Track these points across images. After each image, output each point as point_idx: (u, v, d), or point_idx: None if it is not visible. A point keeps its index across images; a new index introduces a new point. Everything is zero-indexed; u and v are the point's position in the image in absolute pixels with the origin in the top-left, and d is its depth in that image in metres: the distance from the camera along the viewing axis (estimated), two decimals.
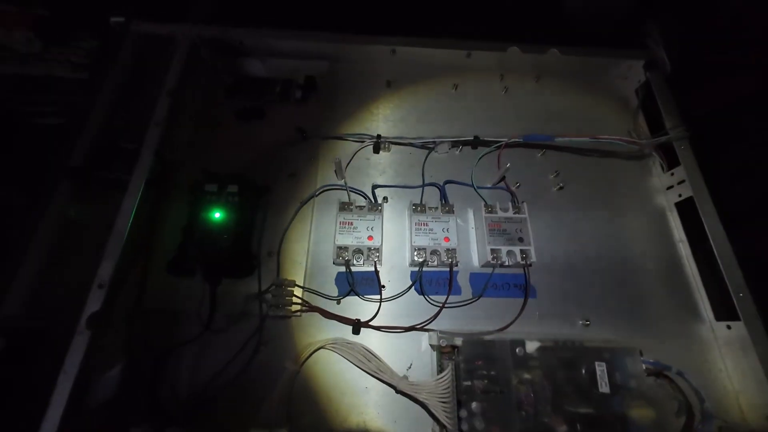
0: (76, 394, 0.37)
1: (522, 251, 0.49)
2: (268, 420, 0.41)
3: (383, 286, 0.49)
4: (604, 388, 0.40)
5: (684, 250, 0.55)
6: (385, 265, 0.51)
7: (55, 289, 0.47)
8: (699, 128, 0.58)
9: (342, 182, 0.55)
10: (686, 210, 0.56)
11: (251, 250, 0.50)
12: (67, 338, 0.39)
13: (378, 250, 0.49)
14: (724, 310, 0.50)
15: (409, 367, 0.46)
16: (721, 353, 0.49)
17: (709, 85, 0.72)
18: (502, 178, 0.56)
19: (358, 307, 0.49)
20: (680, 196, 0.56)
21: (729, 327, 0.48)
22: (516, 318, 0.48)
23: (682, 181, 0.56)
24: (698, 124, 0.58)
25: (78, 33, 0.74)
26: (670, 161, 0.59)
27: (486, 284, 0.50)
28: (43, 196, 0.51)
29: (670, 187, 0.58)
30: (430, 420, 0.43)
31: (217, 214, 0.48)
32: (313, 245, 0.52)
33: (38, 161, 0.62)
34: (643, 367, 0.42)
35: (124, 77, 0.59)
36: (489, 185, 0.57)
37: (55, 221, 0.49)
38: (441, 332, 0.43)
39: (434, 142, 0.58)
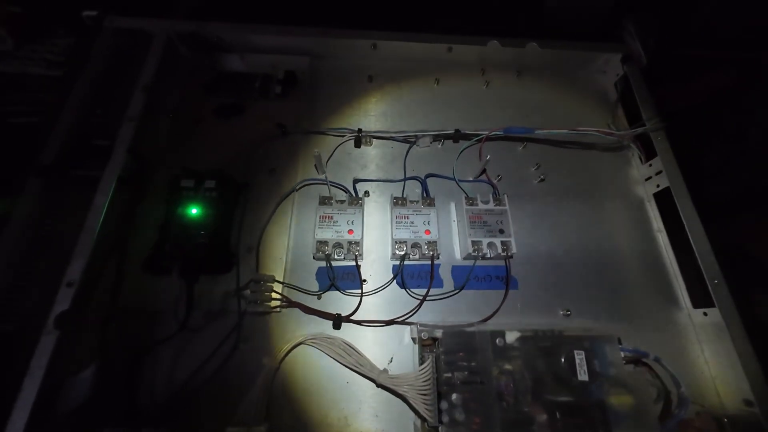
0: (43, 398, 0.36)
1: (503, 243, 0.50)
2: (246, 418, 0.40)
3: (364, 280, 0.49)
4: (582, 376, 0.41)
5: (662, 239, 0.56)
6: (367, 259, 0.51)
7: (25, 292, 0.46)
8: (676, 123, 0.59)
9: (322, 176, 0.54)
10: (664, 200, 0.57)
11: (230, 246, 0.49)
12: (36, 340, 0.38)
13: (359, 243, 0.48)
14: (701, 298, 0.50)
15: (390, 361, 0.45)
16: (699, 339, 0.50)
17: (685, 80, 0.74)
18: (483, 171, 0.56)
19: (339, 302, 0.48)
20: (658, 186, 0.57)
21: (705, 314, 0.49)
22: (497, 309, 0.48)
23: (660, 172, 0.57)
24: (675, 118, 0.60)
25: (53, 30, 0.73)
26: (648, 153, 0.59)
27: (468, 276, 0.49)
28: (13, 195, 0.49)
29: (648, 178, 0.59)
30: (412, 413, 0.43)
31: (194, 210, 0.47)
32: (293, 240, 0.51)
33: (10, 160, 0.60)
34: (622, 354, 0.42)
35: (99, 73, 0.58)
36: (471, 178, 0.57)
37: (24, 221, 0.47)
38: (421, 325, 0.43)
39: (416, 136, 0.58)
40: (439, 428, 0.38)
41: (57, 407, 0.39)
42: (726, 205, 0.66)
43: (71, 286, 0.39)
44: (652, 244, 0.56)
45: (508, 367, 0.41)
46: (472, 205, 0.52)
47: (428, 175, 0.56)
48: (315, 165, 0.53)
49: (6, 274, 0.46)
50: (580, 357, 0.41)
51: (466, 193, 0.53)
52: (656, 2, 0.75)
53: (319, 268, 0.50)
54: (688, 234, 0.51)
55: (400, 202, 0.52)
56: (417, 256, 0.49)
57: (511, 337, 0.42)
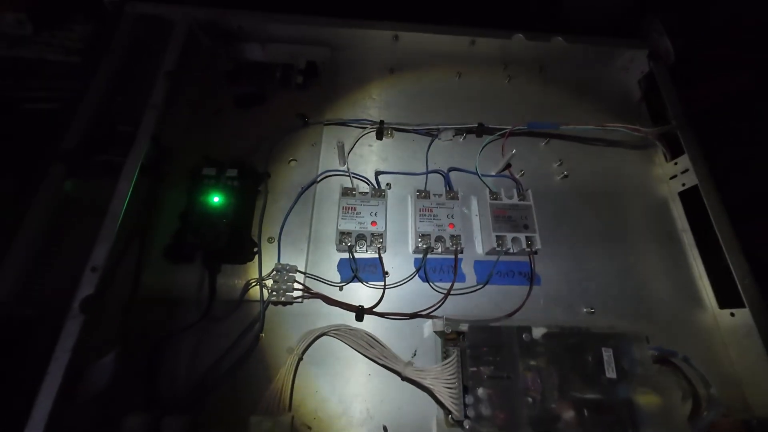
0: (68, 382, 0.36)
1: (527, 238, 0.49)
2: (269, 408, 0.39)
3: (387, 273, 0.48)
4: (611, 373, 0.40)
5: (687, 239, 0.55)
6: (389, 253, 0.50)
7: (48, 277, 0.45)
8: (695, 124, 0.58)
9: (344, 167, 0.54)
10: (689, 199, 0.56)
11: (251, 235, 0.49)
12: (59, 325, 0.38)
13: (381, 236, 0.48)
14: (727, 298, 0.49)
15: (414, 354, 0.45)
16: (724, 341, 0.49)
17: (704, 82, 0.73)
18: (507, 166, 0.56)
19: (361, 294, 0.48)
20: (684, 185, 0.56)
21: (732, 314, 0.48)
22: (521, 305, 0.48)
23: (686, 171, 0.56)
24: (694, 120, 0.59)
25: (71, 16, 0.72)
26: (673, 151, 0.59)
27: (491, 271, 0.49)
28: (35, 181, 0.49)
29: (673, 177, 0.58)
30: (435, 407, 0.42)
31: (216, 198, 0.47)
32: (314, 231, 0.51)
33: (29, 146, 0.60)
34: (649, 353, 0.42)
35: (121, 59, 0.58)
36: (493, 173, 0.57)
37: (47, 206, 0.47)
38: (447, 318, 0.42)
39: (438, 129, 0.58)
40: (464, 422, 0.38)
41: (78, 394, 0.39)
42: (737, 210, 0.65)
43: (95, 271, 0.39)
44: (677, 244, 0.55)
45: (534, 363, 0.41)
46: (496, 199, 0.51)
47: (451, 169, 0.56)
48: (337, 155, 0.53)
49: (27, 260, 0.46)
50: (608, 354, 0.41)
51: (489, 188, 0.53)
52: (676, 2, 0.74)
53: (341, 260, 0.49)
54: (717, 233, 0.50)
55: (423, 194, 0.51)
56: (440, 250, 0.49)
57: (538, 333, 0.42)
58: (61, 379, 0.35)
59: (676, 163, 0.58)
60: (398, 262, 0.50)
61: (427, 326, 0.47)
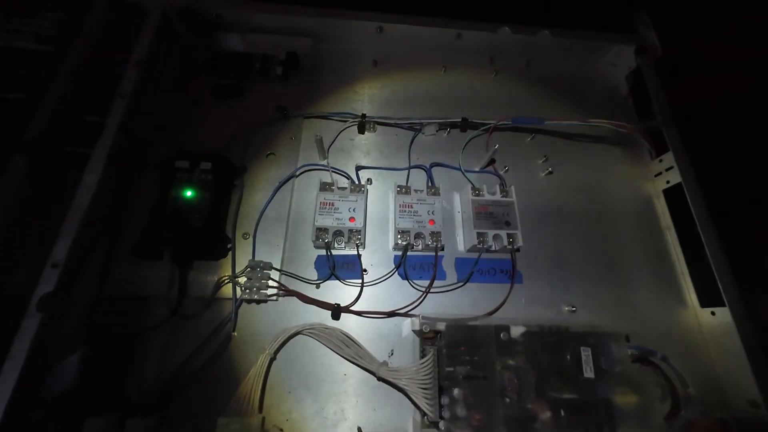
0: (25, 383, 0.34)
1: (509, 235, 0.48)
2: (238, 409, 0.38)
3: (365, 270, 0.47)
4: (588, 373, 0.39)
5: (670, 236, 0.55)
6: (368, 249, 0.49)
7: (9, 274, 0.43)
8: (683, 120, 0.58)
9: (324, 162, 0.52)
10: (673, 197, 0.55)
11: (225, 231, 0.47)
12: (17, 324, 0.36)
13: (360, 232, 0.47)
14: (709, 297, 0.49)
15: (391, 354, 0.44)
16: (705, 340, 0.49)
17: (696, 76, 0.72)
18: (491, 161, 0.55)
19: (339, 292, 0.46)
20: (668, 182, 0.56)
21: (713, 313, 0.48)
22: (502, 303, 0.47)
23: (671, 168, 0.55)
24: (682, 115, 0.58)
25: (43, 2, 0.69)
26: (659, 148, 0.58)
27: (472, 268, 0.48)
28: None
29: (658, 174, 0.58)
30: (411, 407, 0.41)
31: (189, 192, 0.45)
32: (291, 227, 0.49)
33: None
34: (629, 352, 0.41)
35: (91, 47, 0.55)
36: (477, 169, 0.56)
37: (6, 199, 0.44)
38: (423, 317, 0.41)
39: (421, 124, 0.56)
40: (440, 424, 0.37)
41: (42, 393, 0.37)
42: (725, 206, 0.65)
43: (56, 267, 0.37)
44: (660, 241, 0.55)
45: (511, 362, 0.40)
46: (478, 196, 0.50)
47: (433, 164, 0.54)
48: (317, 149, 0.51)
49: None
50: (586, 354, 0.40)
51: (472, 184, 0.52)
52: None
53: (319, 257, 0.48)
54: (700, 231, 0.50)
55: (404, 190, 0.50)
56: (420, 247, 0.48)
57: (516, 331, 0.41)
58: (15, 380, 0.33)
59: (661, 160, 0.57)
60: (378, 259, 0.49)
61: (407, 325, 0.46)
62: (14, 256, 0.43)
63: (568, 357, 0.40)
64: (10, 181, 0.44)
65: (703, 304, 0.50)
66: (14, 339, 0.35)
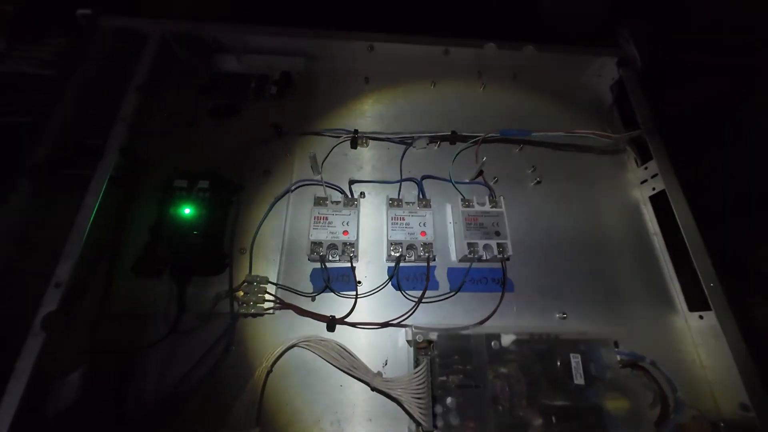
0: (29, 401, 0.35)
1: (499, 245, 0.49)
2: (238, 422, 0.39)
3: (359, 282, 0.48)
4: (579, 379, 0.40)
5: (658, 242, 0.56)
6: (362, 261, 0.50)
7: (13, 294, 0.45)
8: (670, 128, 0.59)
9: (318, 177, 0.54)
10: (660, 203, 0.57)
11: (222, 247, 0.49)
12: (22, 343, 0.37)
13: (353, 245, 0.48)
14: (697, 301, 0.50)
15: (385, 364, 0.45)
16: (695, 343, 0.49)
17: (680, 87, 0.75)
18: (480, 173, 0.56)
19: (334, 304, 0.47)
20: (654, 189, 0.57)
21: (701, 317, 0.49)
22: (493, 312, 0.48)
23: (656, 175, 0.57)
24: (670, 124, 0.60)
25: (46, 29, 0.72)
26: (644, 156, 0.60)
27: (464, 278, 0.49)
28: (1, 195, 0.48)
29: (644, 181, 0.59)
30: (407, 417, 0.42)
31: (187, 210, 0.47)
32: (287, 242, 0.50)
33: (1, 161, 0.59)
34: (618, 358, 0.42)
35: (93, 72, 0.58)
36: (467, 180, 0.57)
37: (11, 222, 0.46)
38: (416, 327, 0.42)
39: (412, 137, 0.58)
40: None
41: (44, 410, 0.38)
42: (718, 211, 0.66)
43: (59, 287, 0.39)
44: (648, 247, 0.56)
45: (503, 370, 0.41)
46: (468, 206, 0.52)
47: (424, 177, 0.56)
48: (311, 166, 0.53)
49: None
50: (576, 360, 0.41)
51: (462, 195, 0.53)
52: (652, 8, 0.76)
53: (314, 270, 0.49)
54: (684, 237, 0.51)
55: (396, 203, 0.51)
56: (413, 258, 0.49)
57: (507, 340, 0.42)
58: (20, 397, 0.34)
59: (646, 168, 0.59)
60: (372, 271, 0.50)
61: (402, 335, 0.47)
62: (17, 276, 0.45)
63: (559, 364, 0.41)
64: (15, 203, 0.45)
65: (692, 308, 0.50)
66: (18, 357, 0.36)
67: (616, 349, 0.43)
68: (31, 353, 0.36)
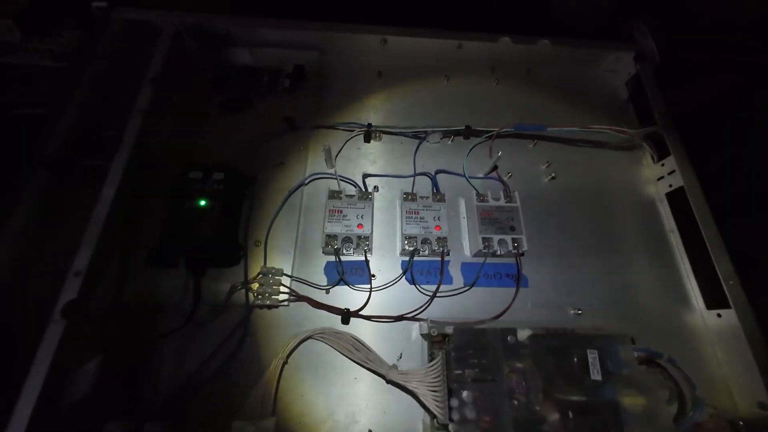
0: (49, 388, 0.35)
1: (514, 240, 0.49)
2: (253, 412, 0.39)
3: (373, 276, 0.48)
4: (596, 375, 0.40)
5: (674, 239, 0.55)
6: (375, 255, 0.50)
7: (29, 283, 0.45)
8: (683, 125, 0.59)
9: (331, 171, 0.54)
10: (676, 200, 0.56)
11: (237, 239, 0.49)
12: (41, 331, 0.37)
13: (368, 238, 0.48)
14: (715, 299, 0.49)
15: (400, 357, 0.45)
16: (712, 341, 0.49)
17: (690, 83, 0.73)
18: (494, 168, 0.56)
19: (348, 297, 0.47)
20: (670, 186, 0.57)
21: (719, 315, 0.48)
22: (508, 307, 0.48)
23: (673, 172, 0.56)
24: (682, 121, 0.59)
25: (60, 22, 0.72)
26: (660, 152, 0.59)
27: (478, 273, 0.49)
28: (18, 186, 0.49)
29: (660, 178, 0.59)
30: (421, 410, 0.42)
31: (202, 202, 0.47)
32: (301, 234, 0.50)
33: (14, 152, 0.60)
34: (635, 354, 0.42)
35: (107, 65, 0.58)
36: (481, 175, 0.57)
37: (29, 211, 0.46)
38: (432, 321, 0.42)
39: (425, 132, 0.58)
40: (450, 426, 0.38)
41: (59, 400, 0.39)
42: (729, 209, 0.65)
43: (78, 276, 0.39)
44: (664, 245, 0.55)
45: (519, 365, 0.41)
46: (482, 201, 0.51)
47: (438, 171, 0.56)
48: (325, 159, 0.53)
49: (10, 266, 0.45)
50: (593, 356, 0.41)
51: (476, 190, 0.53)
52: (660, 5, 0.75)
53: (327, 263, 0.49)
54: (703, 234, 0.50)
55: (410, 197, 0.51)
56: (427, 252, 0.49)
57: (523, 335, 0.42)
58: (41, 385, 0.35)
59: (662, 165, 0.58)
60: (385, 264, 0.50)
61: (416, 329, 0.47)
62: (33, 267, 0.45)
63: (575, 359, 0.41)
64: (33, 193, 0.46)
65: (710, 306, 0.50)
66: (38, 346, 0.36)
67: (633, 346, 0.42)
68: (52, 341, 0.36)
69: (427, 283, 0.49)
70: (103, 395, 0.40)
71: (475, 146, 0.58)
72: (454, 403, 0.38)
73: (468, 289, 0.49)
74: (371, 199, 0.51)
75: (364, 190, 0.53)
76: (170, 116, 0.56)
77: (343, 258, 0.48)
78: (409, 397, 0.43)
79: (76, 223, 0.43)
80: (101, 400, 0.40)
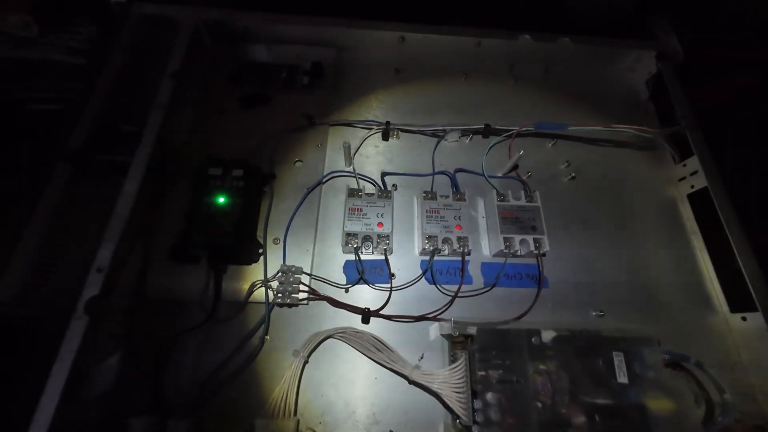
0: (72, 383, 0.35)
1: (535, 240, 0.48)
2: (275, 411, 0.39)
3: (393, 275, 0.48)
4: (622, 378, 0.39)
5: (697, 241, 0.54)
6: (394, 255, 0.50)
7: (53, 277, 0.45)
8: (702, 125, 0.58)
9: (350, 168, 0.53)
10: (698, 201, 0.55)
11: (256, 236, 0.48)
12: (64, 326, 0.37)
13: (388, 237, 0.47)
14: (739, 302, 0.49)
15: (421, 357, 0.44)
16: (736, 345, 0.48)
17: (709, 82, 0.72)
18: (515, 167, 0.55)
19: (367, 296, 0.47)
20: (692, 187, 0.56)
21: (744, 318, 0.47)
22: (530, 308, 0.47)
23: (695, 172, 0.55)
24: (701, 120, 0.58)
25: (77, 18, 0.72)
26: (682, 153, 0.58)
27: (499, 273, 0.48)
28: (40, 181, 0.49)
29: (682, 179, 0.58)
30: (442, 411, 0.42)
31: (222, 198, 0.46)
32: (320, 232, 0.50)
33: (34, 147, 0.60)
34: (662, 357, 0.41)
35: (126, 59, 0.58)
36: (500, 174, 0.56)
37: (52, 206, 0.46)
38: (455, 321, 0.42)
39: (444, 130, 0.57)
40: (473, 428, 0.37)
41: (82, 395, 0.39)
42: (744, 209, 0.64)
43: (101, 272, 0.39)
44: (686, 247, 0.54)
45: (543, 366, 0.40)
46: (503, 201, 0.51)
47: (457, 170, 0.55)
48: (344, 156, 0.52)
49: (32, 260, 0.45)
50: (619, 359, 0.40)
51: (496, 189, 0.52)
52: (680, 3, 0.74)
53: (347, 261, 0.49)
54: (729, 236, 0.49)
55: (430, 196, 0.51)
56: (447, 252, 0.48)
57: (547, 336, 0.41)
58: (65, 380, 0.35)
59: (684, 165, 0.57)
60: (405, 263, 0.50)
61: (433, 329, 0.46)
62: (58, 261, 0.45)
63: (601, 362, 0.40)
64: (55, 188, 0.46)
65: (734, 309, 0.49)
66: (61, 341, 0.36)
67: (659, 348, 0.42)
68: (75, 336, 0.36)
69: (447, 283, 0.48)
70: (126, 390, 0.40)
71: (494, 145, 0.57)
72: (478, 404, 0.38)
73: (489, 290, 0.48)
74: (391, 198, 0.50)
75: (383, 188, 0.52)
76: (190, 111, 0.56)
77: (362, 257, 0.48)
78: (430, 398, 0.42)
79: (98, 217, 0.43)
80: (124, 396, 0.40)
